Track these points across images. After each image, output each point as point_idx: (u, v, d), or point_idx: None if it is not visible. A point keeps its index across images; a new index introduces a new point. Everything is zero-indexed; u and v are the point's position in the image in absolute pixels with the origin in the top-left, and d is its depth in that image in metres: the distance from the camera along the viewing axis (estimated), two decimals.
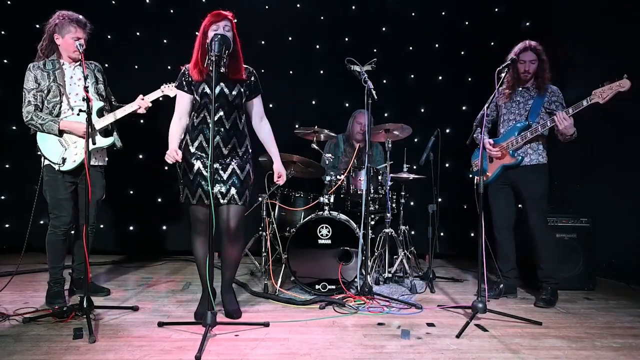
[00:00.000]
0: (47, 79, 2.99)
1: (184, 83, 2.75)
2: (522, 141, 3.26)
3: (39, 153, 3.02)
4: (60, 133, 2.99)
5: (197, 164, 2.73)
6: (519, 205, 3.46)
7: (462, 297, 3.48)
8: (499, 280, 3.44)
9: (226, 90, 2.72)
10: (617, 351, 2.43)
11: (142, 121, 4.84)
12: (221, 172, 2.75)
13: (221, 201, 2.74)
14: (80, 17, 3.05)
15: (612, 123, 4.17)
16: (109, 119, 3.13)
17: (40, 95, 3.00)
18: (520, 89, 3.40)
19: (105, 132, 3.17)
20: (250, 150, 2.89)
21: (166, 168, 4.95)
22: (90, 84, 3.16)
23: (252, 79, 2.84)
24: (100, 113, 3.16)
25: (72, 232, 3.17)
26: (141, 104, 3.15)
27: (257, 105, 2.90)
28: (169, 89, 3.22)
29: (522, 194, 3.33)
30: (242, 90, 2.77)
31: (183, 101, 2.78)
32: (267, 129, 2.95)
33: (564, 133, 3.11)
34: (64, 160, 2.99)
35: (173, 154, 2.63)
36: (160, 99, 3.26)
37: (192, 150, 2.75)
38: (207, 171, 2.64)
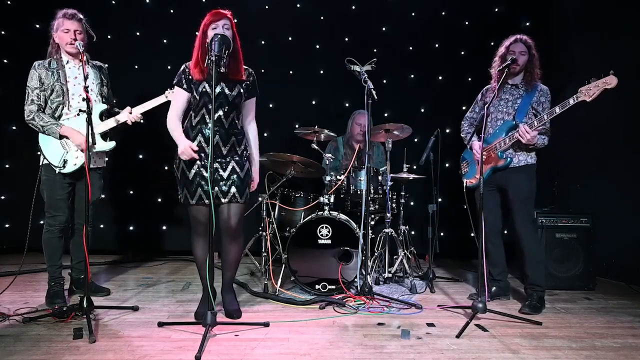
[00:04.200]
0: (52, 78, 2.98)
1: (184, 80, 2.75)
2: (510, 142, 3.15)
3: (39, 153, 3.02)
4: (60, 137, 2.98)
5: (197, 164, 2.73)
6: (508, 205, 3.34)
7: (462, 297, 3.48)
8: (490, 284, 3.40)
9: (227, 90, 2.73)
10: (617, 351, 2.43)
11: (142, 121, 4.83)
12: (221, 171, 2.75)
13: (222, 200, 2.75)
14: (70, 10, 3.00)
15: (612, 122, 4.17)
16: (109, 123, 3.13)
17: (44, 94, 2.99)
18: (509, 86, 3.30)
19: (105, 135, 3.15)
20: (249, 148, 2.90)
21: (166, 168, 4.96)
22: (95, 85, 3.15)
23: (251, 80, 2.84)
24: (102, 116, 3.15)
25: (70, 231, 3.17)
26: (129, 117, 3.14)
27: (250, 108, 2.90)
28: (173, 96, 3.20)
29: (508, 195, 3.21)
30: (241, 90, 2.77)
31: (181, 99, 2.77)
32: (254, 132, 2.95)
33: (529, 144, 3.07)
34: (65, 162, 2.98)
35: (190, 152, 2.67)
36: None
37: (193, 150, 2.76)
38: (207, 171, 2.63)
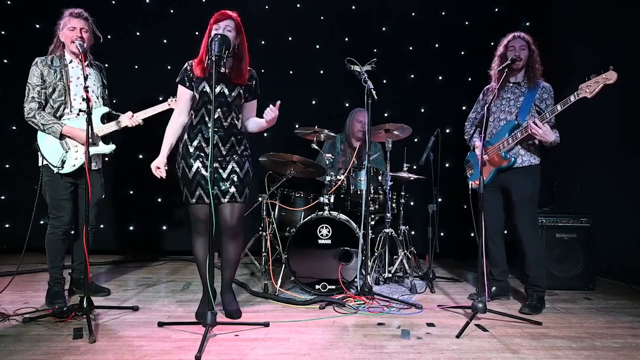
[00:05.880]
0: (54, 77, 2.97)
1: (186, 79, 2.76)
2: (513, 142, 3.13)
3: (40, 154, 3.01)
4: (62, 137, 2.98)
5: (197, 164, 2.74)
6: (511, 205, 3.33)
7: (462, 297, 3.48)
8: (490, 284, 3.39)
9: (226, 91, 2.73)
10: (617, 351, 2.43)
11: (142, 122, 4.84)
12: (221, 170, 2.76)
13: (222, 200, 2.76)
14: (77, 9, 3.01)
15: (612, 122, 4.17)
16: (111, 127, 3.13)
17: (45, 92, 2.97)
18: (511, 84, 3.27)
19: (105, 138, 3.15)
20: (249, 148, 2.90)
21: (166, 168, 4.95)
22: (97, 87, 3.15)
23: (253, 82, 2.85)
24: (104, 119, 3.16)
25: (72, 232, 3.17)
26: (130, 121, 3.15)
27: (251, 109, 2.91)
28: (175, 103, 3.20)
29: (512, 196, 3.20)
30: (241, 92, 2.78)
31: (184, 97, 2.79)
32: (253, 120, 2.90)
33: (542, 141, 3.02)
34: (63, 163, 2.97)
35: (154, 170, 2.73)
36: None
37: (191, 150, 2.76)
38: (207, 171, 2.65)
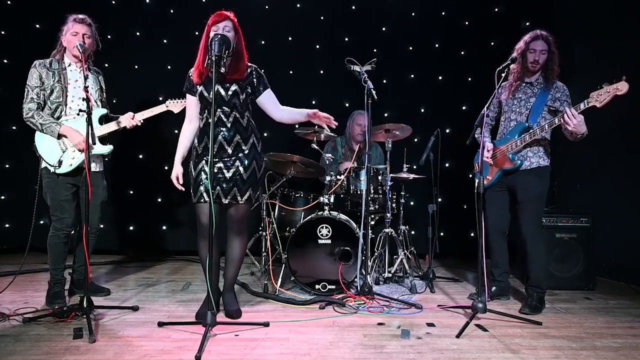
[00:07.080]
0: (52, 79, 2.99)
1: (189, 86, 2.83)
2: (522, 144, 3.11)
3: (37, 154, 3.01)
4: (59, 137, 2.98)
5: (202, 164, 2.77)
6: (517, 206, 3.35)
7: (462, 297, 3.48)
8: (490, 284, 3.38)
9: (222, 91, 2.74)
10: (617, 351, 2.44)
11: (142, 121, 4.84)
12: (224, 170, 2.77)
13: (223, 200, 2.76)
14: (80, 15, 3.04)
15: (613, 123, 4.17)
16: (110, 127, 3.14)
17: (43, 94, 2.99)
18: (524, 84, 3.24)
19: (103, 139, 3.15)
20: (257, 146, 2.89)
21: (166, 168, 4.96)
22: (95, 90, 3.16)
23: (254, 76, 2.84)
24: (102, 120, 3.16)
25: (74, 233, 3.17)
26: (130, 122, 3.16)
27: (269, 99, 2.90)
28: (173, 105, 3.24)
29: (517, 197, 3.19)
30: (238, 89, 2.77)
31: (191, 104, 2.86)
32: (286, 109, 2.96)
33: (574, 132, 2.92)
34: (60, 162, 2.97)
35: (174, 180, 2.81)
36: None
37: (200, 151, 2.81)
38: (208, 170, 2.66)
